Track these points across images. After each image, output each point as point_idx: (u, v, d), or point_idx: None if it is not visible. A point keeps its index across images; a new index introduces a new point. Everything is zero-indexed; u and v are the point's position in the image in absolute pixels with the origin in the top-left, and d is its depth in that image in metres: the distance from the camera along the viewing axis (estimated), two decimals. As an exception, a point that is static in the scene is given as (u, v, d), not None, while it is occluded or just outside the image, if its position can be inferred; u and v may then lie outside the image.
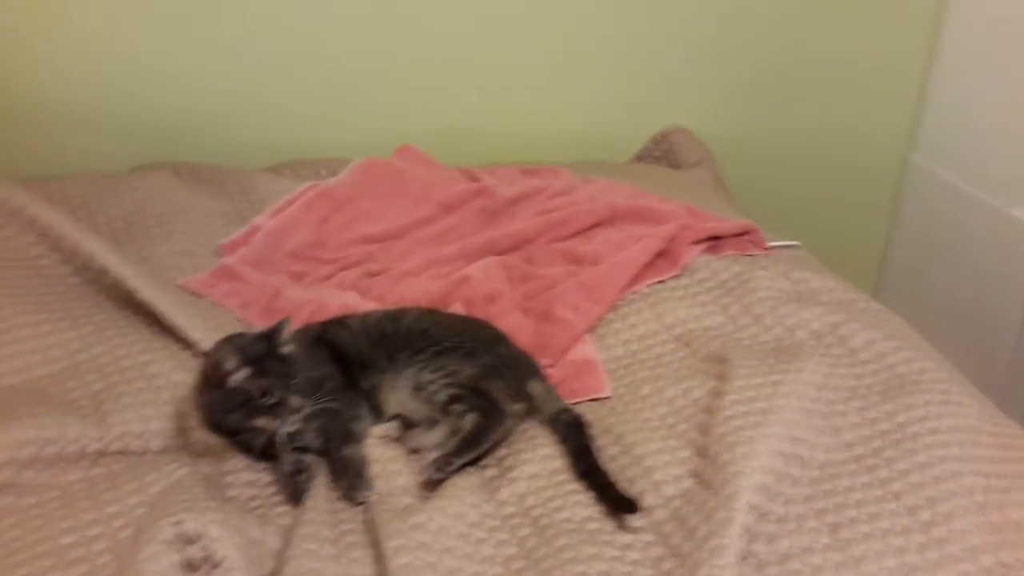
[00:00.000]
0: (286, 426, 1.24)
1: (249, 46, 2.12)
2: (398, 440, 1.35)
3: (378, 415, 1.38)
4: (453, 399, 1.34)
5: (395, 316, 1.47)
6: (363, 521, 1.21)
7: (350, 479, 1.26)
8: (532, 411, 1.40)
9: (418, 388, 1.36)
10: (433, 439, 1.35)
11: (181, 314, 1.47)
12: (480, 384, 1.36)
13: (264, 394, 1.23)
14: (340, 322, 1.47)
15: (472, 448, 1.30)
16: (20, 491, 1.18)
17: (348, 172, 2.03)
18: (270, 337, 1.28)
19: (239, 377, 1.23)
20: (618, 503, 1.25)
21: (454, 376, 1.36)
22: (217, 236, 1.83)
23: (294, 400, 1.24)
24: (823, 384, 1.41)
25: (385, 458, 1.31)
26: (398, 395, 1.38)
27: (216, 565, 1.05)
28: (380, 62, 2.20)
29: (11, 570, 1.07)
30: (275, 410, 1.23)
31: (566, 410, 1.40)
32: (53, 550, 1.10)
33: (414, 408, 1.37)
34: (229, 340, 1.30)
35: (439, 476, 1.26)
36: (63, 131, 2.07)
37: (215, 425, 1.26)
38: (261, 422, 1.24)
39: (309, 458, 1.28)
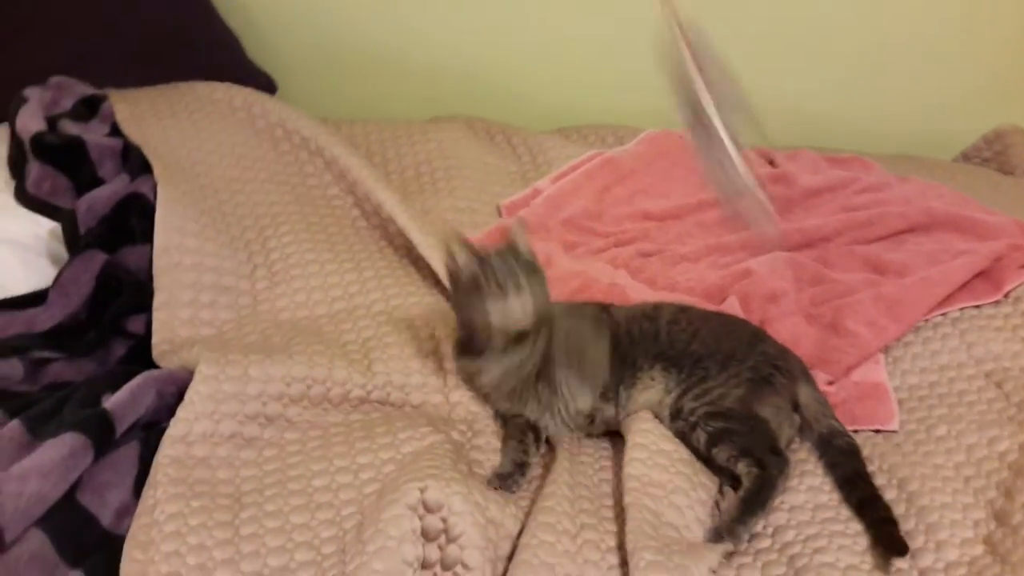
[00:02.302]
0: (515, 314, 1.20)
1: (550, 9, 2.10)
2: None
3: (621, 411, 1.29)
4: (716, 438, 1.20)
5: (651, 314, 1.35)
6: (604, 519, 1.14)
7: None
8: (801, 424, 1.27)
9: (677, 414, 1.24)
10: None
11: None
12: (752, 410, 1.22)
13: (489, 277, 1.19)
14: (606, 307, 1.39)
15: (760, 506, 1.16)
16: (285, 425, 1.23)
17: (636, 142, 1.96)
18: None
19: (464, 262, 1.22)
20: (891, 543, 1.10)
21: (718, 403, 1.23)
22: (500, 195, 1.84)
23: (514, 292, 1.19)
24: None
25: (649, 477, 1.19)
26: (648, 396, 1.28)
27: (453, 540, 1.04)
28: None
29: (263, 501, 1.12)
30: (499, 298, 1.20)
31: (841, 433, 1.25)
32: (304, 490, 1.13)
33: (659, 407, 1.28)
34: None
35: (730, 541, 1.13)
36: (370, 75, 2.18)
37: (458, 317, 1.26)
38: (490, 311, 1.20)
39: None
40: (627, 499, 1.13)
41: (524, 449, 1.23)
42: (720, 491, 1.21)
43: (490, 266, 1.20)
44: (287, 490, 1.13)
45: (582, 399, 1.28)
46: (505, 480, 1.18)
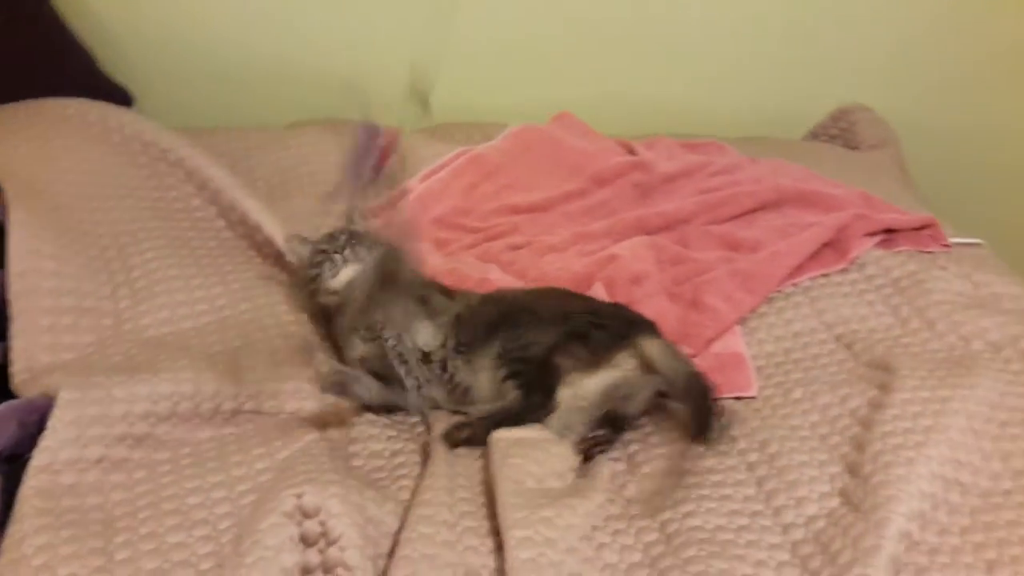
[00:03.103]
0: (333, 277, 1.38)
1: (407, 7, 2.10)
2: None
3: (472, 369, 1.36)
4: (507, 377, 1.31)
5: (505, 290, 1.48)
6: (484, 504, 1.17)
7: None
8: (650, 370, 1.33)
9: (498, 358, 1.33)
10: None
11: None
12: (552, 359, 1.31)
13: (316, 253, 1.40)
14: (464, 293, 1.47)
15: (496, 424, 1.27)
16: (155, 445, 1.21)
17: (502, 138, 1.99)
18: None
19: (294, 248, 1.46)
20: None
21: (525, 349, 1.32)
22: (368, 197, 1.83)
23: (337, 258, 1.39)
24: (997, 403, 1.29)
25: (513, 438, 1.26)
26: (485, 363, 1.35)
27: (332, 542, 1.05)
28: (542, 24, 2.15)
29: (137, 524, 1.10)
30: (323, 267, 1.39)
31: (696, 375, 1.31)
32: (179, 509, 1.12)
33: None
34: None
35: (454, 438, 1.26)
36: (229, 83, 2.14)
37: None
38: (321, 276, 1.39)
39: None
40: (492, 465, 1.18)
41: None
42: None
43: (320, 245, 1.41)
44: (161, 510, 1.11)
45: (422, 336, 1.35)
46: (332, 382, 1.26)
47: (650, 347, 1.33)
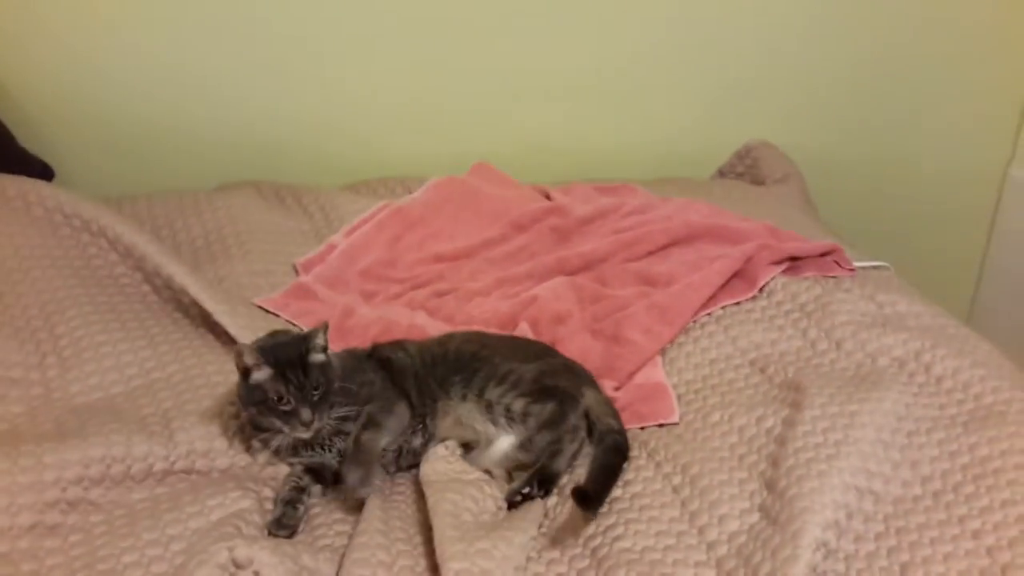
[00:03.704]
0: (298, 431, 1.27)
1: (328, 69, 2.16)
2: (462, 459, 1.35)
3: (429, 439, 1.37)
4: (529, 403, 1.34)
5: (443, 340, 1.48)
6: (420, 543, 1.20)
7: (358, 468, 1.27)
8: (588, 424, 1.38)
9: (488, 407, 1.36)
10: (497, 455, 1.34)
11: (250, 334, 1.50)
12: (544, 381, 1.36)
13: (280, 399, 1.26)
14: (399, 344, 1.48)
15: (552, 428, 1.31)
16: (89, 509, 1.22)
17: (423, 190, 2.04)
18: (302, 343, 1.30)
19: (259, 376, 1.27)
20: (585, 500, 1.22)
21: (518, 385, 1.36)
22: (294, 255, 1.87)
23: (305, 412, 1.26)
24: (903, 415, 1.35)
25: (448, 477, 1.30)
26: (449, 420, 1.38)
27: (267, 590, 1.06)
28: (457, 80, 2.21)
29: (74, 586, 1.10)
30: (287, 417, 1.27)
31: (615, 431, 1.37)
32: (114, 569, 1.12)
33: (463, 432, 1.37)
34: (271, 335, 1.36)
35: (525, 457, 1.31)
36: (148, 151, 2.15)
37: (245, 413, 1.31)
38: (275, 423, 1.27)
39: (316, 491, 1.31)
40: (429, 501, 1.21)
41: (298, 487, 1.28)
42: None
43: (280, 381, 1.27)
44: (96, 572, 1.12)
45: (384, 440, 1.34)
46: (277, 523, 1.22)
47: (590, 399, 1.39)
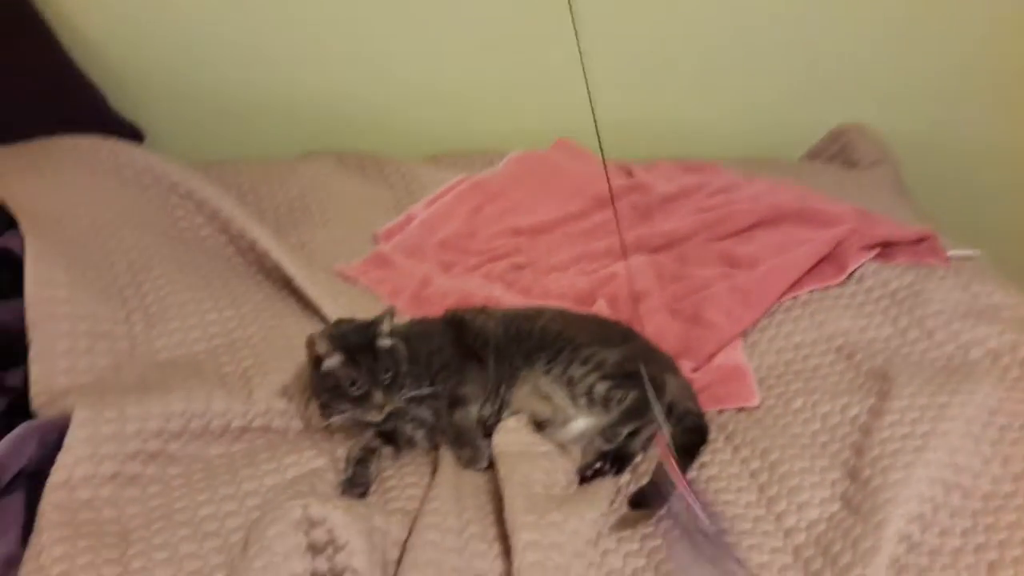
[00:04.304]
0: (370, 415, 1.28)
1: (413, 42, 2.16)
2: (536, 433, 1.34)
3: (501, 409, 1.37)
4: (612, 388, 1.32)
5: (532, 315, 1.46)
6: (490, 512, 1.20)
7: (463, 447, 1.29)
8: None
9: (570, 384, 1.34)
10: (572, 435, 1.33)
11: (329, 300, 1.52)
12: (627, 367, 1.33)
13: (352, 383, 1.27)
14: (481, 309, 1.48)
15: (635, 418, 1.29)
16: (167, 461, 1.25)
17: (504, 164, 2.04)
18: (370, 328, 1.31)
19: (331, 363, 1.28)
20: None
21: (602, 367, 1.34)
22: (374, 223, 1.88)
23: (377, 396, 1.27)
24: (996, 409, 1.30)
25: (520, 449, 1.29)
26: (527, 388, 1.36)
27: (340, 549, 1.07)
28: (542, 54, 2.19)
29: (151, 535, 1.13)
30: (360, 401, 1.27)
31: (693, 413, 1.35)
32: (191, 520, 1.15)
33: (539, 404, 1.35)
34: (336, 324, 1.37)
35: (608, 447, 1.27)
36: (238, 116, 2.19)
37: (317, 399, 1.32)
38: (348, 408, 1.28)
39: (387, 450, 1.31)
40: (501, 471, 1.20)
41: (368, 448, 1.29)
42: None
43: (352, 366, 1.28)
44: (174, 522, 1.14)
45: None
46: (349, 483, 1.23)
47: (671, 383, 1.36)
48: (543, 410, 1.35)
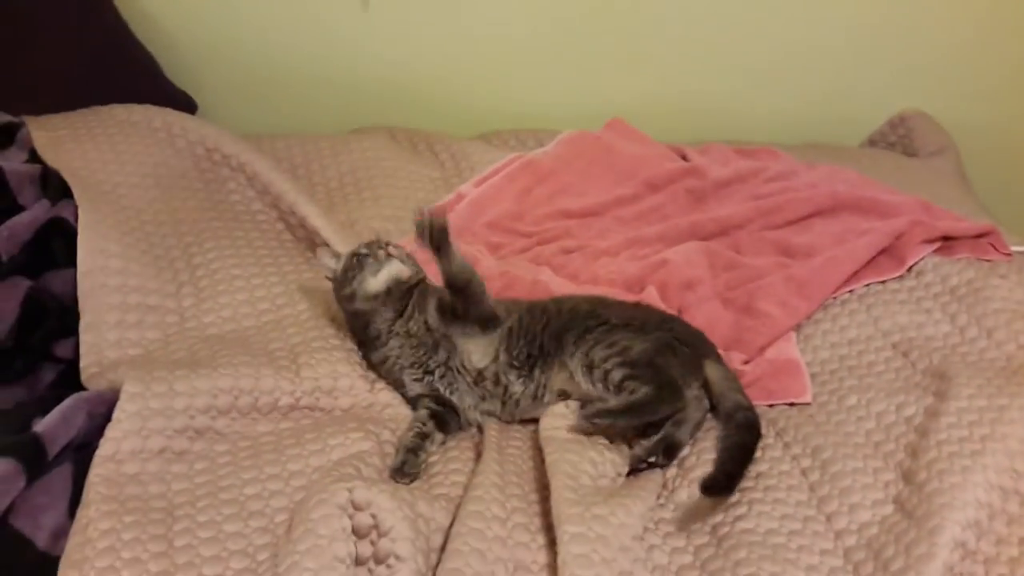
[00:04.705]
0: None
1: (465, 19, 2.14)
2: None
3: (537, 389, 1.35)
4: (627, 378, 1.28)
5: (558, 300, 1.45)
6: (535, 501, 1.19)
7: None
8: (709, 397, 1.33)
9: (590, 367, 1.31)
10: None
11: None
12: (655, 360, 1.30)
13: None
14: (514, 300, 1.46)
15: (635, 414, 1.26)
16: (215, 437, 1.25)
17: (555, 144, 2.00)
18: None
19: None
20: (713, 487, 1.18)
21: (625, 353, 1.30)
22: (424, 201, 1.86)
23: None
24: (1058, 413, 1.25)
25: (567, 436, 1.27)
26: (564, 375, 1.34)
27: (384, 534, 1.07)
28: (598, 32, 2.16)
29: (196, 512, 1.13)
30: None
31: (744, 407, 1.30)
32: (236, 499, 1.15)
33: (578, 387, 1.33)
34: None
35: (585, 426, 1.25)
36: (290, 90, 2.19)
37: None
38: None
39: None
40: (548, 459, 1.18)
41: (421, 434, 1.29)
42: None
43: (350, 255, 1.39)
44: (219, 500, 1.15)
45: (477, 356, 1.35)
46: (399, 471, 1.22)
47: (713, 372, 1.33)
48: (578, 392, 1.33)
